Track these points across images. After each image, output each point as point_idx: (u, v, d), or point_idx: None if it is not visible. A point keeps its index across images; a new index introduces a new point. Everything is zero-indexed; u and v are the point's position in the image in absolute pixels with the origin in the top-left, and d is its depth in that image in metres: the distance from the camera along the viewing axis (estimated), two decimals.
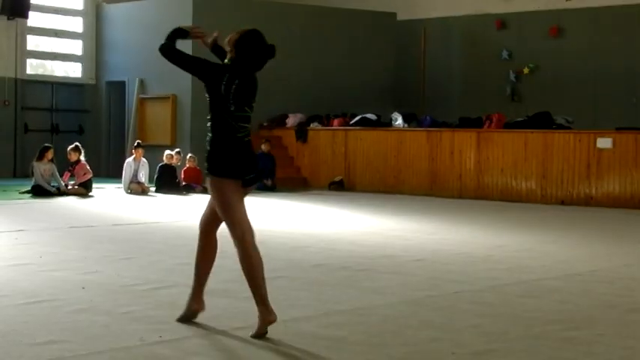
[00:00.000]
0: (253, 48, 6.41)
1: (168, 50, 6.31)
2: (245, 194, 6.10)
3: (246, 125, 6.05)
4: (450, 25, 25.24)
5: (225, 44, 6.36)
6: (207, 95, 6.09)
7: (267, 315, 5.87)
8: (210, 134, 6.03)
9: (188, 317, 6.21)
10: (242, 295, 7.05)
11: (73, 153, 17.89)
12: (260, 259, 6.03)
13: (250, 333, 5.83)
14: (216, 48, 6.76)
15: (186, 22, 22.06)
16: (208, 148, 6.02)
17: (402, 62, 25.22)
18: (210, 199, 6.14)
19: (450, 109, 23.45)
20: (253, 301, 6.01)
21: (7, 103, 22.92)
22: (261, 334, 5.81)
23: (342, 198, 18.36)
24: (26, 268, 8.28)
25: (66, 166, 18.10)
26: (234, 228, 5.97)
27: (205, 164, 6.04)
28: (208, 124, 6.08)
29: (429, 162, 19.64)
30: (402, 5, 25.31)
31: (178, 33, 6.50)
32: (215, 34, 6.82)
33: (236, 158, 5.95)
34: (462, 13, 24.92)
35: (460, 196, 18.78)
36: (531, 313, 6.74)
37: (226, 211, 5.97)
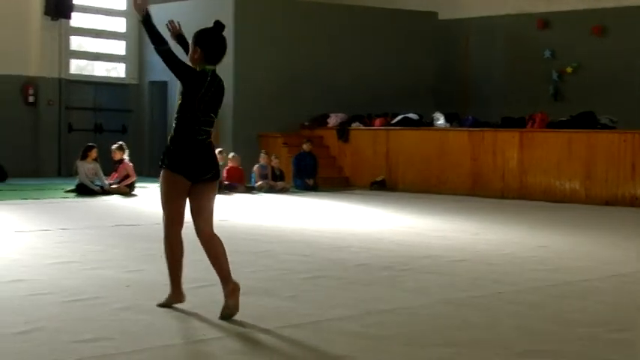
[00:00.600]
0: (213, 43, 6.59)
1: (168, 55, 6.59)
2: (211, 192, 6.82)
3: (209, 129, 6.56)
4: (492, 25, 25.06)
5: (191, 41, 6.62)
6: (179, 97, 6.45)
7: (173, 295, 6.59)
8: (173, 133, 6.45)
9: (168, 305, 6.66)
10: (284, 295, 7.08)
11: (117, 152, 18.03)
12: (179, 246, 6.82)
13: (157, 303, 6.55)
14: (180, 38, 7.10)
15: (228, 21, 22.15)
16: (169, 144, 6.48)
17: (443, 62, 25.12)
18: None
19: (492, 109, 23.30)
20: (295, 300, 6.25)
21: (51, 102, 23.15)
22: (163, 305, 6.53)
23: (383, 198, 18.33)
24: (71, 266, 8.35)
25: (109, 165, 18.25)
26: (167, 215, 6.75)
27: (160, 159, 6.55)
28: (174, 122, 6.47)
29: (471, 162, 19.54)
30: (443, 5, 25.19)
31: (159, 34, 6.75)
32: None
33: (192, 159, 6.45)
34: (503, 12, 24.73)
35: (503, 197, 18.66)
36: (576, 315, 6.68)
37: (166, 202, 6.70)
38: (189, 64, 6.55)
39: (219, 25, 6.61)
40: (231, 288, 6.34)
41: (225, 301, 6.28)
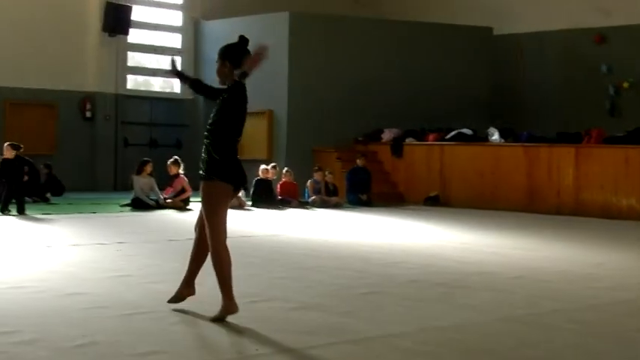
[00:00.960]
0: (241, 57, 6.94)
1: (199, 86, 7.28)
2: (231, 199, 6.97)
3: (240, 138, 7.07)
4: (548, 40, 24.89)
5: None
6: (216, 112, 6.80)
7: (229, 306, 6.60)
8: (212, 145, 6.78)
9: (178, 299, 7.01)
10: (337, 311, 7.07)
11: (172, 166, 18.19)
12: (229, 256, 6.77)
13: (211, 317, 6.61)
14: (180, 74, 7.73)
15: (283, 38, 22.31)
16: (213, 156, 6.75)
17: (498, 77, 24.99)
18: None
19: (547, 124, 23.12)
20: (348, 316, 6.29)
21: (107, 117, 23.45)
22: (218, 319, 6.56)
23: (437, 213, 18.25)
24: (128, 279, 8.44)
25: (165, 179, 18.42)
26: (218, 227, 6.74)
27: (204, 170, 6.79)
28: (210, 135, 6.80)
29: (526, 177, 19.39)
30: (498, 20, 25.08)
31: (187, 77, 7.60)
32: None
33: (238, 168, 6.93)
34: (559, 27, 24.55)
35: (558, 213, 18.48)
36: (634, 333, 6.59)
37: (216, 213, 6.76)
38: (218, 76, 6.91)
39: (244, 40, 6.91)
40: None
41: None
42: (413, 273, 9.38)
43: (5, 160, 16.10)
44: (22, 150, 16.24)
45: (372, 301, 7.58)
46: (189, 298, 7.09)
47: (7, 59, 22.08)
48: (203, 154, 6.84)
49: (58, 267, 9.17)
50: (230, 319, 6.63)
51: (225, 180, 6.76)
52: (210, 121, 6.85)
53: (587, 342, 6.28)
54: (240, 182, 6.96)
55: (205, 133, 6.87)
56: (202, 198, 6.86)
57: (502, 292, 8.29)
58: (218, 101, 6.82)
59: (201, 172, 6.86)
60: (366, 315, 6.95)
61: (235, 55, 6.82)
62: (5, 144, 16.32)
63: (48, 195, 19.03)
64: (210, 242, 6.76)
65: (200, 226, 6.94)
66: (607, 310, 7.57)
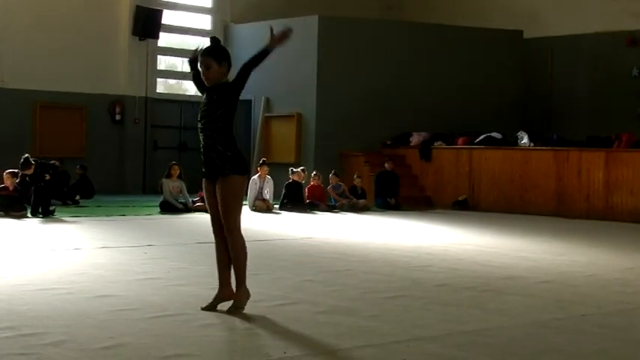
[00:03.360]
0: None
1: (198, 78, 7.32)
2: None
3: None
4: (578, 43, 24.76)
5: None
6: (221, 109, 7.00)
7: (245, 293, 7.00)
8: (220, 141, 6.96)
9: (219, 302, 7.09)
10: (364, 314, 7.06)
11: None
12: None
13: (228, 309, 6.94)
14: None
15: (312, 42, 22.34)
16: (224, 152, 6.95)
17: (528, 80, 24.89)
18: (211, 202, 7.11)
19: (577, 128, 23.00)
20: (376, 320, 6.30)
21: (137, 121, 23.58)
22: (236, 308, 6.92)
23: (465, 217, 18.19)
24: (155, 282, 8.47)
25: (193, 182, 18.48)
26: (238, 218, 7.06)
27: (220, 167, 6.94)
28: (215, 132, 6.98)
29: (555, 181, 19.30)
30: (528, 23, 24.97)
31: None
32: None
33: (244, 160, 7.19)
34: (590, 30, 24.41)
35: (588, 217, 18.37)
36: None
37: (237, 205, 7.07)
38: (211, 79, 7.05)
39: (218, 40, 7.21)
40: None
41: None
42: (440, 277, 9.36)
43: (29, 176, 16.36)
44: (19, 176, 16.19)
45: (400, 305, 7.57)
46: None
47: (39, 62, 22.26)
48: (210, 152, 7.01)
49: (87, 269, 9.22)
50: (258, 322, 6.63)
51: (240, 173, 7.02)
52: (208, 119, 7.03)
53: (615, 347, 6.23)
54: (248, 171, 7.32)
55: (207, 131, 7.05)
56: (223, 195, 6.98)
57: (530, 297, 8.24)
58: (214, 98, 7.03)
59: (209, 169, 7.05)
60: (393, 318, 6.94)
61: (229, 56, 7.13)
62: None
63: (77, 197, 19.17)
64: (234, 235, 7.03)
65: (218, 227, 7.14)
66: (636, 314, 7.52)
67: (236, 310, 6.93)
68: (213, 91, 7.05)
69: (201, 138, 7.11)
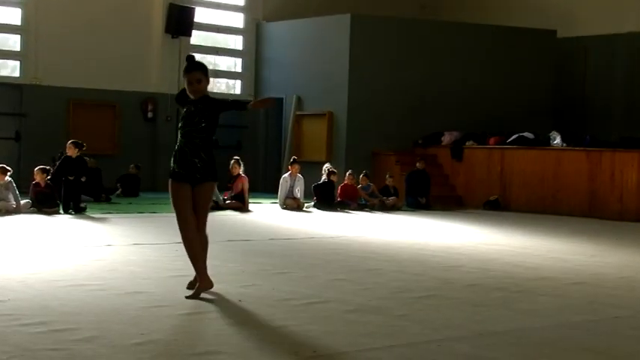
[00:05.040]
0: None
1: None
2: None
3: None
4: (612, 42, 24.56)
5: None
6: (204, 121, 7.64)
7: (204, 282, 7.59)
8: (204, 149, 7.64)
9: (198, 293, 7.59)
10: (394, 313, 7.05)
11: (236, 166, 18.40)
12: (198, 240, 7.69)
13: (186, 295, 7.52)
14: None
15: (344, 40, 22.32)
16: (207, 159, 7.63)
17: (561, 80, 24.73)
18: (183, 201, 7.67)
19: (611, 128, 22.83)
20: (406, 319, 6.40)
21: (169, 118, 23.67)
22: (195, 297, 7.46)
23: (496, 217, 18.11)
24: (186, 279, 8.47)
25: (224, 181, 18.57)
26: (205, 219, 7.80)
27: (206, 173, 7.62)
28: (200, 140, 7.63)
29: (588, 182, 19.16)
30: (562, 23, 24.80)
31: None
32: None
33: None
34: (624, 30, 24.21)
35: (621, 218, 18.23)
36: None
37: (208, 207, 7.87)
38: (199, 92, 7.73)
39: (193, 56, 7.97)
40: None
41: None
42: (471, 277, 9.32)
43: (67, 157, 16.36)
44: (84, 149, 16.47)
45: (430, 305, 7.54)
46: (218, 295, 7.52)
47: (72, 60, 22.40)
48: (193, 158, 7.61)
49: (118, 266, 9.27)
50: (288, 320, 6.64)
51: (216, 180, 7.82)
52: (195, 127, 7.64)
53: None
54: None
55: (191, 137, 7.66)
56: (206, 198, 7.74)
57: (562, 298, 8.19)
58: (200, 107, 7.63)
59: (189, 173, 7.61)
60: (423, 318, 6.92)
61: None
62: (69, 142, 16.61)
63: (118, 192, 19.67)
64: (205, 233, 7.80)
65: (194, 224, 7.71)
66: None
67: (197, 293, 7.55)
68: (199, 102, 7.65)
69: (181, 141, 7.71)
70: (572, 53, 24.82)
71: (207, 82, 7.74)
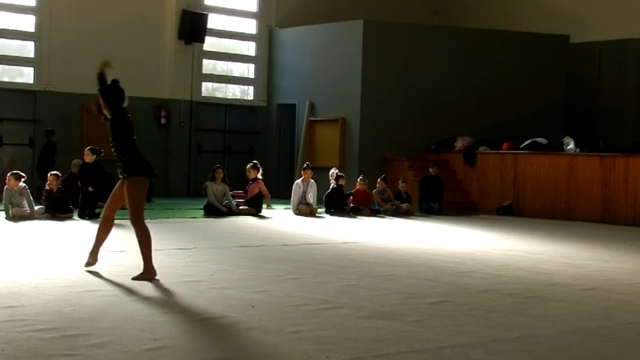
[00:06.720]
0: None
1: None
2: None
3: None
4: (625, 47, 24.50)
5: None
6: (122, 126, 9.96)
7: (147, 271, 8.82)
8: (130, 150, 9.65)
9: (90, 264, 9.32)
10: (407, 319, 7.04)
11: (252, 170, 18.42)
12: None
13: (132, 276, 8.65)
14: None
15: (357, 46, 22.35)
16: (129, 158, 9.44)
17: (574, 85, 24.67)
18: (118, 193, 9.44)
19: (624, 134, 22.76)
20: (419, 325, 6.34)
21: (182, 124, 23.72)
22: (137, 279, 8.65)
23: (510, 223, 18.07)
24: (199, 284, 8.51)
25: (238, 186, 18.61)
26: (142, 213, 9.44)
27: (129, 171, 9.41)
28: (122, 143, 9.65)
29: (601, 188, 19.10)
30: (575, 28, 24.76)
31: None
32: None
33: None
34: (638, 35, 24.12)
35: (634, 224, 18.17)
36: None
37: (141, 202, 9.56)
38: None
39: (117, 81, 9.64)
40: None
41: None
42: (484, 283, 9.30)
43: (85, 164, 16.46)
44: (102, 155, 16.52)
45: (443, 311, 7.53)
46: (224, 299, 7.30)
47: (85, 66, 22.38)
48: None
49: (132, 271, 9.27)
50: (301, 326, 6.64)
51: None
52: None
53: None
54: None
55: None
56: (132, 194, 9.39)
57: (576, 304, 8.17)
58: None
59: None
60: (436, 324, 6.91)
61: None
62: (87, 148, 16.70)
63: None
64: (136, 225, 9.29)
65: (112, 214, 9.56)
66: None
67: (140, 278, 8.63)
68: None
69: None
70: (584, 58, 24.76)
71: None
